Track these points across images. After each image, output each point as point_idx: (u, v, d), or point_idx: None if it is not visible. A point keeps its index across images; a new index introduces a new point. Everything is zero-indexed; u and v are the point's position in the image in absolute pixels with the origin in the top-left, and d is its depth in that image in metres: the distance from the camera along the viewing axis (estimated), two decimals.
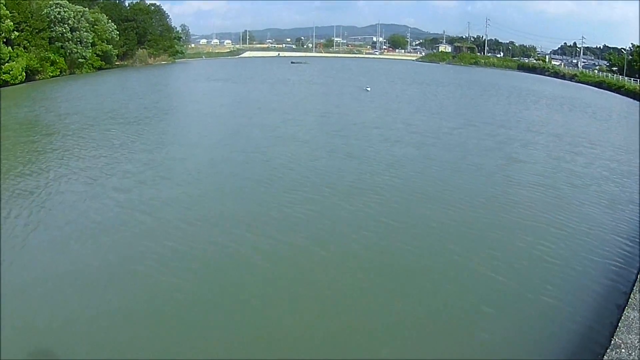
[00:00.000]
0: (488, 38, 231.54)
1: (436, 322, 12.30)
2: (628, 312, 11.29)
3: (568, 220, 19.60)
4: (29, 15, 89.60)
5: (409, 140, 35.45)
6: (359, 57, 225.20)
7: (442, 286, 14.10)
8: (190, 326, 11.68)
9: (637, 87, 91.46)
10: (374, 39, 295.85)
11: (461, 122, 45.07)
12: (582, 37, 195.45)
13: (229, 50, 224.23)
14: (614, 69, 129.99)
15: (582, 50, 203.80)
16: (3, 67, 77.83)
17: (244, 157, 29.46)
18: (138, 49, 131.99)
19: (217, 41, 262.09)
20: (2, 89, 75.14)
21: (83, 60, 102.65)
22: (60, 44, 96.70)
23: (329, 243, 16.52)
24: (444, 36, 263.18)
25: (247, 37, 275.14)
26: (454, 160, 29.72)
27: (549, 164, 30.04)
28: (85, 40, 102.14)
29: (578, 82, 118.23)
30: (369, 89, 68.11)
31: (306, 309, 12.71)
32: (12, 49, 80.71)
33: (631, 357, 9.52)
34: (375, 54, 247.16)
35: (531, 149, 34.07)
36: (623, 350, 9.74)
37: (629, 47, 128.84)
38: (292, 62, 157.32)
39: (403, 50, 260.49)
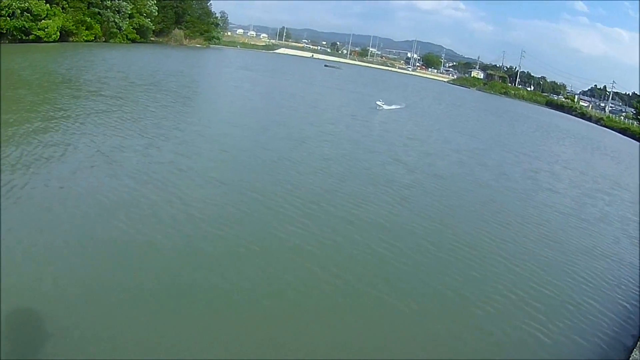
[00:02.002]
0: (520, 70, 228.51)
1: None
2: None
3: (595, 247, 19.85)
4: None
5: (447, 156, 35.14)
6: (391, 71, 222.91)
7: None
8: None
9: None
10: (409, 54, 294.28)
11: (493, 146, 45.50)
12: (613, 81, 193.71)
13: (264, 43, 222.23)
14: None
15: (611, 95, 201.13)
16: (39, 23, 77.73)
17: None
18: (175, 28, 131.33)
19: (254, 33, 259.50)
20: (35, 44, 75.64)
21: (118, 30, 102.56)
22: (98, 10, 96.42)
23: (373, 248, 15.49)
24: (478, 62, 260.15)
25: (284, 34, 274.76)
26: (488, 181, 29.36)
27: (575, 196, 30.39)
28: (123, 10, 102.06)
29: (603, 125, 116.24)
30: (381, 104, 56.28)
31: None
32: (50, 7, 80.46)
33: None
34: (408, 70, 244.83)
35: (557, 181, 34.23)
36: None
37: None
38: (325, 65, 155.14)
39: (436, 70, 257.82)
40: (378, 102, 56.13)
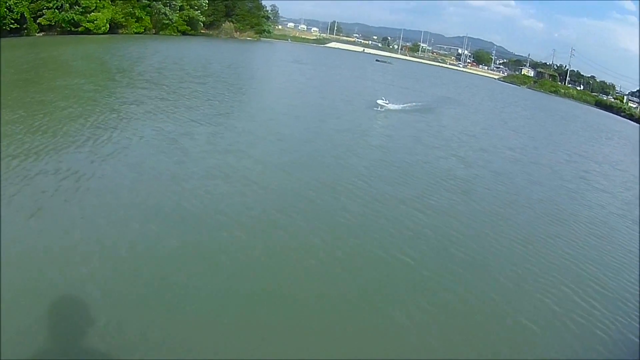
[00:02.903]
0: (570, 68, 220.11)
1: None
2: None
3: None
4: None
5: (501, 153, 35.49)
6: (442, 67, 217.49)
7: None
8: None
9: None
10: (460, 50, 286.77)
11: (545, 145, 45.15)
12: None
13: (315, 37, 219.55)
14: None
15: None
16: (88, 15, 77.64)
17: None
18: (225, 21, 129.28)
19: (305, 27, 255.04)
20: (84, 36, 75.48)
21: (168, 22, 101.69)
22: (147, 2, 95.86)
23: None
24: (528, 60, 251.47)
25: (335, 28, 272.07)
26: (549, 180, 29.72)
27: (627, 198, 29.99)
28: (173, 2, 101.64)
29: None
30: (383, 101, 45.51)
31: None
32: (99, 0, 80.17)
33: None
34: (459, 67, 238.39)
35: (608, 181, 34.40)
36: None
37: None
38: (376, 60, 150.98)
39: (486, 67, 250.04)
40: (380, 101, 45.39)
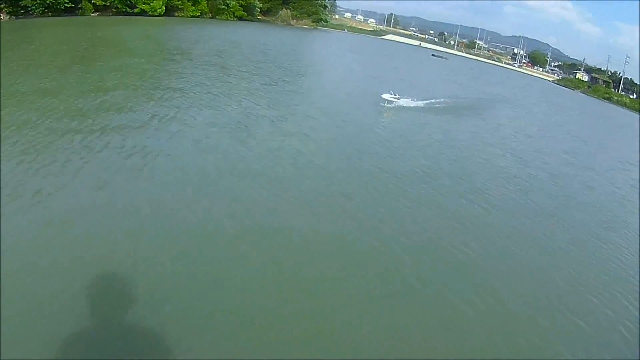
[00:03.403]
0: (624, 76, 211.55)
1: None
2: None
3: None
4: None
5: (557, 156, 34.22)
6: (498, 65, 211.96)
7: None
8: None
9: None
10: (515, 50, 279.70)
11: (599, 151, 43.22)
12: None
13: (372, 29, 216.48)
14: None
15: None
16: None
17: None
18: (282, 8, 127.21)
19: (362, 17, 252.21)
20: (140, 17, 74.95)
21: (225, 6, 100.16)
22: None
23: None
24: (583, 64, 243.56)
25: (392, 20, 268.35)
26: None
27: None
28: None
29: None
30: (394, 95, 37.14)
31: None
32: None
33: None
34: (514, 66, 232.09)
35: None
36: None
37: None
38: (432, 55, 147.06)
39: (541, 69, 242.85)
40: (387, 95, 36.72)
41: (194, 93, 28.17)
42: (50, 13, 60.53)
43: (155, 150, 17.65)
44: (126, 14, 74.56)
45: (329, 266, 12.11)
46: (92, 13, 70.13)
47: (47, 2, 60.23)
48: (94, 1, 70.38)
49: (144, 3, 76.93)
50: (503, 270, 13.74)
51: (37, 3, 59.22)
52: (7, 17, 56.11)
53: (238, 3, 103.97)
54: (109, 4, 72.55)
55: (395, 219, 15.50)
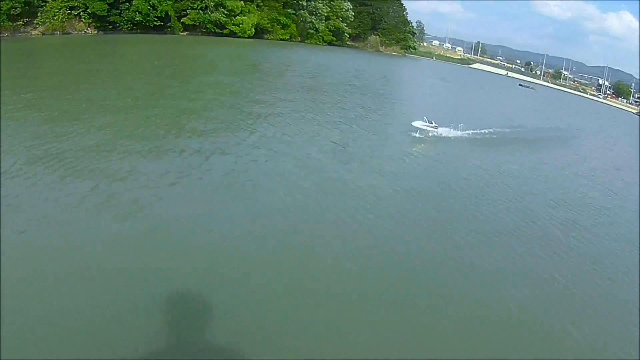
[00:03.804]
0: None
1: None
2: None
3: None
4: None
5: None
6: (582, 97, 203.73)
7: None
8: None
9: None
10: (600, 81, 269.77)
11: None
12: None
13: (459, 57, 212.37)
14: None
15: None
16: (234, 19, 76.20)
17: None
18: (371, 34, 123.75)
19: (449, 46, 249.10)
20: (230, 38, 74.63)
21: (314, 31, 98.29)
22: (293, 11, 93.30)
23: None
24: None
25: (479, 49, 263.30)
26: None
27: None
28: (319, 12, 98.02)
29: None
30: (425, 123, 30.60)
31: None
32: (245, 4, 78.81)
33: None
34: (599, 98, 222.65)
35: None
36: None
37: None
38: (519, 85, 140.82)
39: (625, 100, 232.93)
40: (418, 124, 29.52)
41: (290, 114, 28.62)
42: (138, 30, 61.38)
43: (256, 168, 18.40)
44: (215, 34, 74.23)
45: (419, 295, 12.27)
46: (181, 32, 70.53)
47: (136, 19, 60.96)
48: (184, 20, 70.84)
49: (234, 24, 76.25)
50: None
51: (125, 19, 60.40)
52: (95, 32, 57.81)
53: (327, 28, 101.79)
54: (198, 24, 72.66)
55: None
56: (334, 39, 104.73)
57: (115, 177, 15.45)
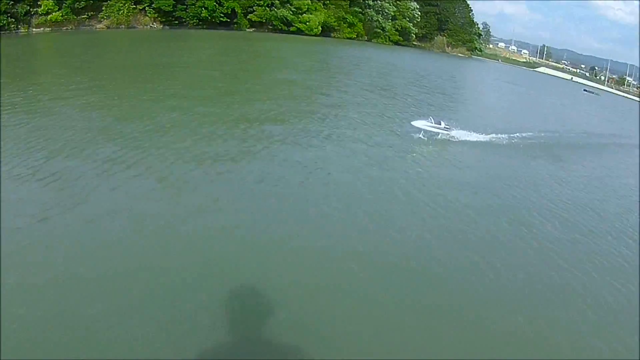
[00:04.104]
0: None
1: None
2: None
3: None
4: None
5: None
6: None
7: None
8: None
9: None
10: None
11: None
12: None
13: (524, 60, 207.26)
14: None
15: None
16: (301, 17, 75.22)
17: None
18: (437, 35, 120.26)
19: (515, 48, 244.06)
20: (296, 36, 73.81)
21: (380, 30, 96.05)
22: (360, 9, 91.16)
23: None
24: None
25: (544, 52, 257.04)
26: None
27: None
28: (386, 11, 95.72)
29: None
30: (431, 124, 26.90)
31: None
32: (311, 2, 77.66)
33: None
34: None
35: None
36: None
37: None
38: (584, 90, 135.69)
39: None
40: (420, 124, 25.75)
41: (364, 111, 28.48)
42: (204, 25, 62.00)
43: (332, 165, 18.39)
44: (282, 31, 73.72)
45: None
46: (248, 28, 70.61)
47: (202, 15, 61.38)
48: (250, 17, 70.80)
49: (301, 22, 75.39)
50: None
51: (191, 15, 61.05)
52: (160, 26, 58.82)
53: (394, 27, 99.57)
54: (264, 21, 72.40)
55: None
56: (401, 38, 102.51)
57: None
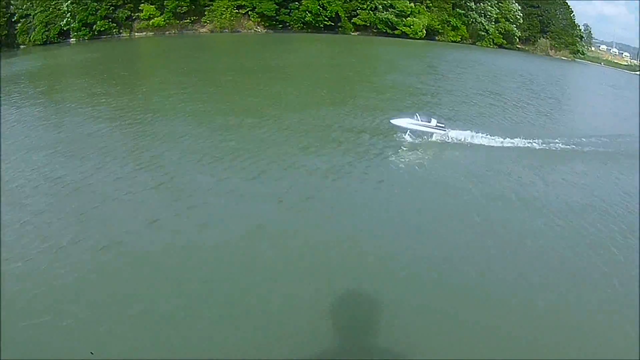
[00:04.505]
0: None
1: None
2: None
3: None
4: None
5: None
6: None
7: None
8: None
9: None
10: None
11: None
12: None
13: (626, 63, 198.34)
14: None
15: None
16: (405, 20, 72.95)
17: None
18: (540, 37, 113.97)
19: (616, 51, 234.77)
20: (401, 39, 71.43)
21: (484, 33, 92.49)
22: (463, 11, 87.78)
23: None
24: None
25: None
26: None
27: None
28: (489, 14, 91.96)
29: None
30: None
31: None
32: (415, 5, 75.12)
33: None
34: None
35: None
36: None
37: None
38: None
39: None
40: (402, 122, 22.89)
41: (477, 118, 28.38)
42: (308, 29, 62.46)
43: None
44: (386, 34, 72.09)
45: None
46: (352, 32, 70.05)
47: (306, 19, 61.65)
48: (354, 21, 70.04)
49: (405, 25, 73.25)
50: None
51: (294, 19, 61.65)
52: (264, 30, 60.03)
53: (497, 30, 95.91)
54: (368, 24, 71.32)
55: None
56: (504, 41, 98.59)
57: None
